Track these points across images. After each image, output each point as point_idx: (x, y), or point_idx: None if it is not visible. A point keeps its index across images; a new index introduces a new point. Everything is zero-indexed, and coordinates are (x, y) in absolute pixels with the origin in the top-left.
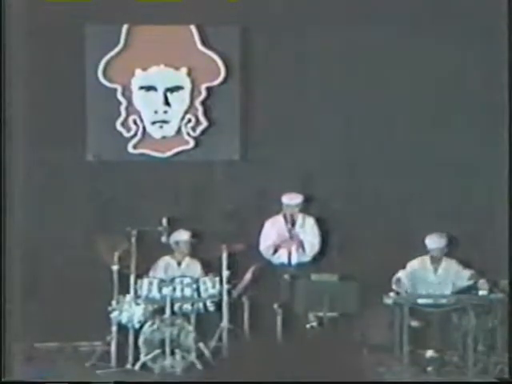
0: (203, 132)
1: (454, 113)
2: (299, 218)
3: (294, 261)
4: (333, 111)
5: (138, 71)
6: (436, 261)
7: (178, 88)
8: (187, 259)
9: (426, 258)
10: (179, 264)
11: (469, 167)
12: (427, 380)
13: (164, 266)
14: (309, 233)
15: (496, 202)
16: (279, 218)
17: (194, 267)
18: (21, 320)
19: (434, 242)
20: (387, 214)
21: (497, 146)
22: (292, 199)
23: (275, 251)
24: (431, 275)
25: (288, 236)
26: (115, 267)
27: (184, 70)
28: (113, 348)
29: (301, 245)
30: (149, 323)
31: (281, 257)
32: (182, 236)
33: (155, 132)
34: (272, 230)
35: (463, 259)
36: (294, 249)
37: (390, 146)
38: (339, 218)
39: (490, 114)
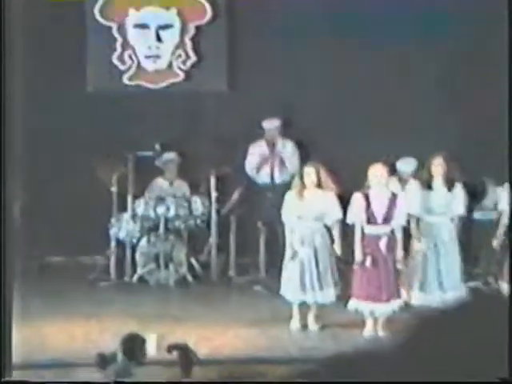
0: (193, 66)
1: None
2: (279, 140)
3: (277, 180)
4: (318, 47)
5: (132, 11)
6: None
7: (168, 26)
8: (177, 180)
9: None
10: (171, 184)
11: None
12: (425, 380)
13: (158, 186)
14: (289, 151)
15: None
16: (261, 142)
17: (184, 187)
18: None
19: None
20: None
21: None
22: (271, 123)
23: (259, 170)
24: None
25: (269, 155)
26: (114, 189)
27: (174, 10)
28: (112, 262)
29: (282, 161)
30: (144, 239)
31: (264, 175)
32: (170, 156)
33: (149, 65)
34: (255, 152)
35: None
36: (276, 164)
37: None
38: (318, 144)
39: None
